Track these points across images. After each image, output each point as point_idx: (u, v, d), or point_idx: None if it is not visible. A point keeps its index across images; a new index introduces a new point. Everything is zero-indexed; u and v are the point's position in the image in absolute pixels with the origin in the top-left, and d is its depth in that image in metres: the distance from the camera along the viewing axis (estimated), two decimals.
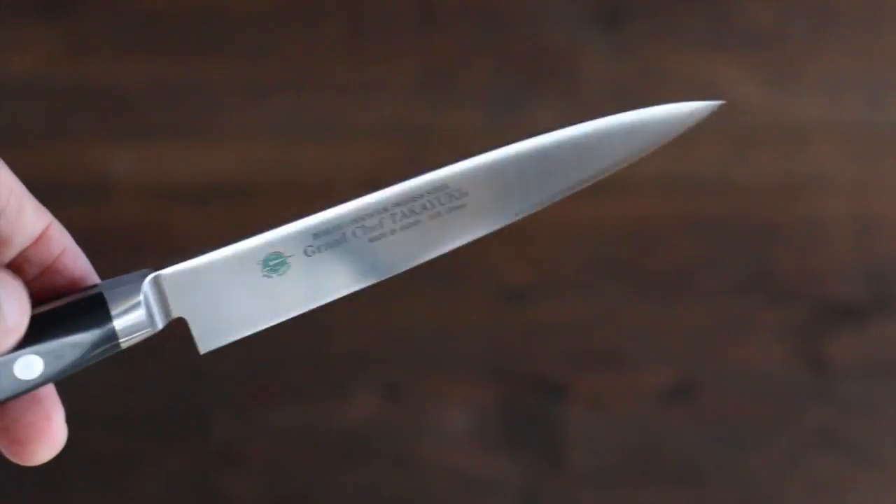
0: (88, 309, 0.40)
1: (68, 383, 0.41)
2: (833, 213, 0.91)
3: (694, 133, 0.99)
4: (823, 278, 0.90)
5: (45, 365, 0.39)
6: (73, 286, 0.41)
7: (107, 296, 0.40)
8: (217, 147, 0.92)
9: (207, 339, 0.42)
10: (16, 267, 0.41)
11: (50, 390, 0.40)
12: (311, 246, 0.43)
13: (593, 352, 0.89)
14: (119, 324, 0.41)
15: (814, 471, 0.88)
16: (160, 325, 0.42)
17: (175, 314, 0.42)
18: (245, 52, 0.93)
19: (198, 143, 0.92)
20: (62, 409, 0.41)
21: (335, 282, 0.43)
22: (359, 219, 0.43)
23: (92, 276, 0.42)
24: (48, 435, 0.41)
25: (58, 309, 0.40)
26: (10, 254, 0.41)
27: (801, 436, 0.88)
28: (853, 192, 0.91)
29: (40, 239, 0.41)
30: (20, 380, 0.39)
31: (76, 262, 0.42)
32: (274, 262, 0.43)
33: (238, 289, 0.43)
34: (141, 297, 0.41)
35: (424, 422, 0.88)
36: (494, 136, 0.94)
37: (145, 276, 0.41)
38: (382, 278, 0.44)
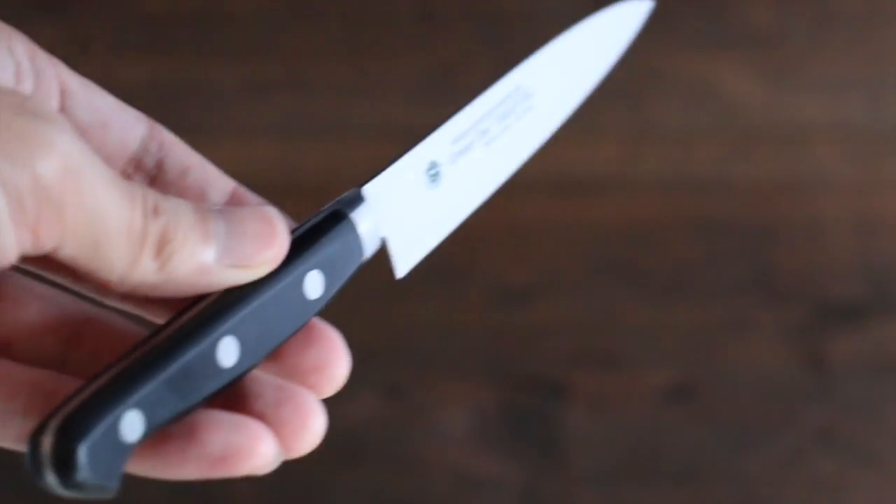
0: (334, 222, 0.41)
1: None
2: (833, 213, 0.91)
3: (694, 133, 1.00)
4: (823, 278, 0.90)
5: (326, 282, 0.40)
6: None
7: (343, 210, 0.41)
8: (217, 147, 0.92)
9: (402, 261, 0.43)
10: None
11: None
12: (452, 153, 0.44)
13: (593, 352, 0.89)
14: (360, 230, 0.41)
15: (814, 471, 0.88)
16: (379, 242, 0.42)
17: (383, 234, 0.42)
18: (245, 52, 0.93)
19: (198, 142, 0.92)
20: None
21: (476, 187, 0.45)
22: (476, 123, 0.45)
23: (290, 223, 0.42)
24: (310, 421, 0.40)
25: (312, 227, 0.41)
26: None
27: (801, 436, 0.88)
28: (853, 192, 0.91)
29: (233, 195, 0.42)
30: (308, 299, 0.40)
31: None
32: (432, 172, 0.44)
33: (414, 203, 0.43)
34: (368, 208, 0.42)
35: (424, 422, 0.88)
36: None
37: (359, 194, 0.42)
38: (499, 183, 0.46)
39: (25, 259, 0.39)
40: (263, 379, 0.40)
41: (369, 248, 0.42)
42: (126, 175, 0.41)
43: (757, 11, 0.94)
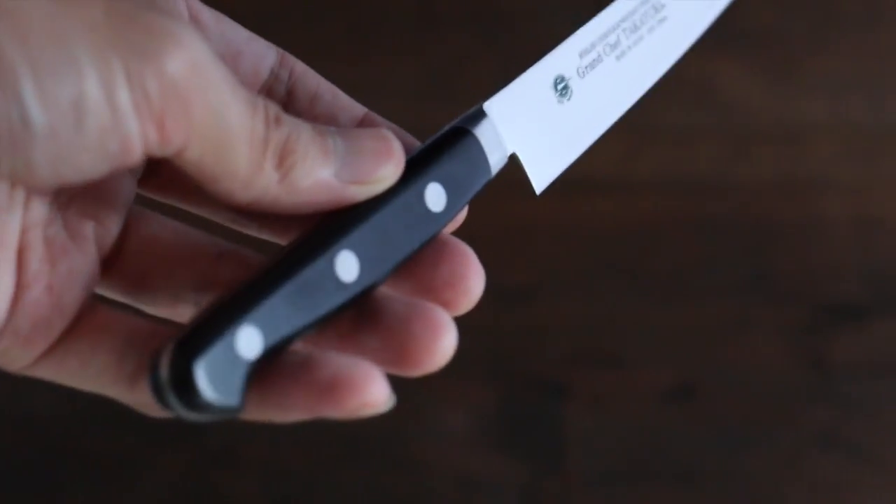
0: (457, 138, 0.42)
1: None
2: (833, 213, 0.91)
3: (694, 133, 1.00)
4: (823, 278, 0.90)
5: (448, 195, 0.41)
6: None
7: (466, 126, 0.42)
8: None
9: (538, 176, 0.43)
10: None
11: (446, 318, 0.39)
12: (579, 67, 0.44)
13: (593, 352, 0.89)
14: (484, 144, 0.42)
15: (814, 471, 0.88)
16: (505, 158, 0.42)
17: (510, 149, 0.43)
18: None
19: None
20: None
21: (611, 101, 0.45)
22: (604, 35, 0.45)
23: (417, 144, 0.43)
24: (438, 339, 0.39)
25: (433, 143, 0.41)
26: None
27: (801, 436, 0.88)
28: (853, 192, 0.91)
29: (364, 120, 0.43)
30: (432, 212, 0.40)
31: (404, 136, 0.42)
32: (561, 87, 0.44)
33: (542, 118, 0.43)
34: (491, 123, 0.42)
35: (424, 422, 0.88)
36: None
37: (481, 111, 0.42)
38: (637, 96, 0.45)
39: (154, 186, 0.41)
40: (393, 296, 0.39)
41: (495, 163, 0.42)
42: None
43: (757, 11, 0.93)
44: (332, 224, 0.39)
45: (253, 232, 0.42)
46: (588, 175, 0.91)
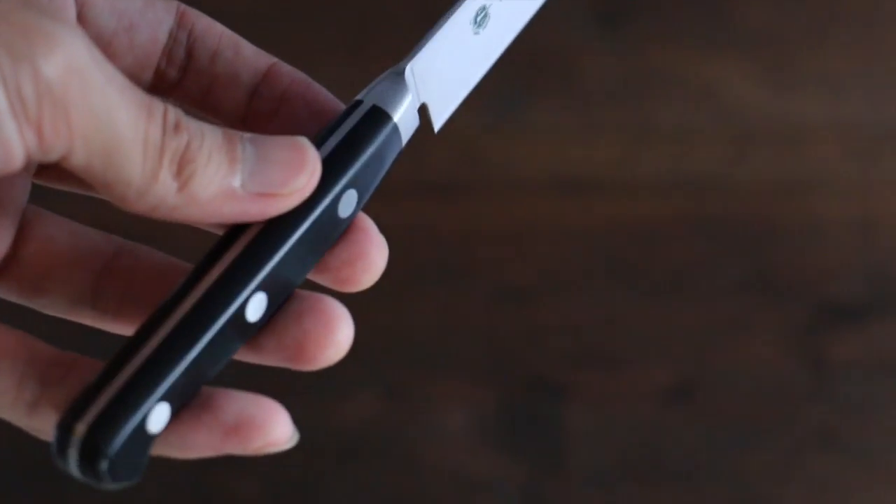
0: (377, 129, 0.39)
1: None
2: (833, 213, 0.91)
3: (694, 133, 1.00)
4: (823, 278, 0.90)
5: (359, 197, 0.38)
6: (314, 110, 0.39)
7: (387, 109, 0.39)
8: None
9: (438, 116, 0.41)
10: (254, 106, 0.40)
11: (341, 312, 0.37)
12: None
13: (593, 352, 0.89)
14: (402, 128, 0.39)
15: (814, 471, 0.88)
16: (417, 121, 0.40)
17: (419, 102, 0.40)
18: None
19: None
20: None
21: (519, 15, 0.42)
22: None
23: (329, 98, 0.40)
24: (329, 338, 0.37)
25: (351, 139, 0.38)
26: (241, 93, 0.40)
27: (800, 436, 0.88)
28: (853, 192, 0.91)
29: (268, 74, 0.40)
30: (341, 218, 0.37)
31: (310, 88, 0.40)
32: (480, 17, 0.41)
33: (457, 55, 0.41)
34: (410, 95, 0.40)
35: (424, 422, 0.88)
36: (494, 136, 0.94)
37: (402, 72, 0.40)
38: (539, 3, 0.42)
39: (48, 176, 0.39)
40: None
41: (409, 133, 0.39)
42: (159, 71, 0.40)
43: (757, 11, 0.93)
44: (242, 260, 0.36)
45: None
46: (588, 175, 0.91)
